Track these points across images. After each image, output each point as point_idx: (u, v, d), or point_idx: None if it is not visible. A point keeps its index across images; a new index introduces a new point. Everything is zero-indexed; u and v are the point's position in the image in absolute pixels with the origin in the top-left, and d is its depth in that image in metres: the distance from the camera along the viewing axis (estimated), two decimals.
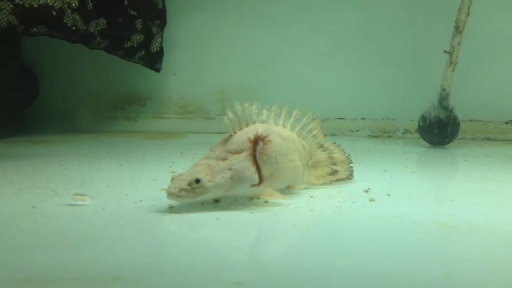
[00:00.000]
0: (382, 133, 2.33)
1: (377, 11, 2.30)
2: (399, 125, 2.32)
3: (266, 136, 0.99)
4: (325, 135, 1.22)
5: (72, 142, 1.95)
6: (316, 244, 0.81)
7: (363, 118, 2.34)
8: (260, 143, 0.99)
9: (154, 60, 2.18)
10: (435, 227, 0.87)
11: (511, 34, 2.22)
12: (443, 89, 1.89)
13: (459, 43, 1.87)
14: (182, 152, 1.70)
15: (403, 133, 2.31)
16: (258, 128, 1.04)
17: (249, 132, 1.03)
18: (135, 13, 2.01)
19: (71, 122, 2.33)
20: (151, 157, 1.59)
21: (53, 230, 0.84)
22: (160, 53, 2.19)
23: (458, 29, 1.86)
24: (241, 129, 1.04)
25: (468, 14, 1.85)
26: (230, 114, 1.04)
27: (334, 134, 2.31)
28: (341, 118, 2.35)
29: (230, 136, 1.04)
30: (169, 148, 1.84)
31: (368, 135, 2.32)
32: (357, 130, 2.34)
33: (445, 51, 1.88)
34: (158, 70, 2.22)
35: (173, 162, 1.49)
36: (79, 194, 1.00)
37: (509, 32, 2.21)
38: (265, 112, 1.10)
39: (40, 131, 2.19)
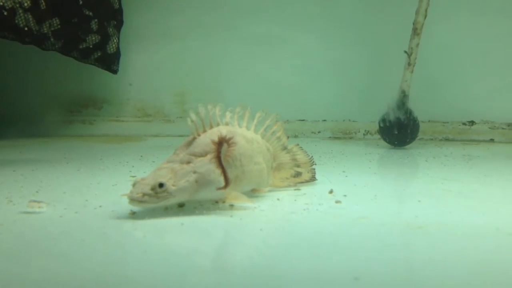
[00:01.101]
0: (343, 135, 2.33)
1: (337, 13, 2.30)
2: (360, 127, 2.33)
3: (230, 138, 0.97)
4: (288, 137, 1.20)
5: (25, 147, 1.88)
6: (285, 248, 0.79)
7: (324, 120, 2.35)
8: (225, 145, 0.97)
9: (110, 62, 2.12)
10: (403, 228, 0.86)
11: (469, 36, 2.25)
12: (402, 91, 1.91)
13: (417, 45, 1.89)
14: (141, 156, 1.65)
15: (364, 134, 2.32)
16: (222, 130, 1.01)
17: (213, 134, 1.00)
18: (91, 13, 1.95)
19: (25, 127, 2.25)
20: (109, 162, 1.54)
21: (8, 239, 0.79)
22: (117, 54, 2.13)
23: (416, 31, 1.87)
24: (204, 131, 1.01)
25: (425, 16, 1.86)
26: (193, 116, 1.01)
27: (295, 136, 2.30)
28: (302, 120, 2.35)
29: (194, 138, 1.01)
30: (128, 152, 1.79)
31: (330, 137, 2.33)
32: (319, 132, 2.34)
33: (405, 51, 1.90)
34: (115, 71, 2.17)
35: (133, 166, 1.45)
36: (35, 201, 0.95)
37: (467, 33, 2.25)
38: (228, 114, 1.07)
39: None
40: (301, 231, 0.86)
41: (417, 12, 1.87)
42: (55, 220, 0.89)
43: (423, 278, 0.66)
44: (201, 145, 0.99)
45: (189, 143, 1.01)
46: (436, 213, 0.96)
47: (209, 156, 0.98)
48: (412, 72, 1.90)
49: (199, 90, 2.33)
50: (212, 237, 0.84)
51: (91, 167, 1.43)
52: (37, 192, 1.10)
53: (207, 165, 0.97)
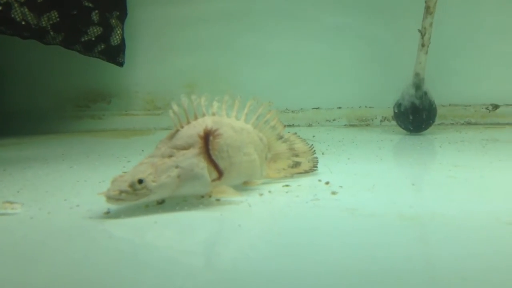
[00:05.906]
0: (360, 122, 2.24)
1: None
2: (377, 113, 2.23)
3: (216, 130, 0.90)
4: (284, 126, 1.13)
5: (28, 144, 1.84)
6: (258, 244, 0.72)
7: (339, 107, 2.26)
8: (211, 138, 0.90)
9: (115, 54, 2.07)
10: (393, 219, 0.78)
11: (490, 14, 2.13)
12: (417, 73, 1.80)
13: (431, 24, 1.78)
14: (143, 150, 1.60)
15: (381, 121, 2.22)
16: (207, 121, 0.95)
17: (197, 125, 0.94)
18: (91, 5, 1.90)
19: (34, 123, 2.22)
20: (107, 157, 1.49)
21: None
22: (121, 46, 2.08)
23: (428, 10, 1.77)
24: (188, 123, 0.95)
25: None
26: (175, 107, 0.95)
27: (309, 125, 2.22)
28: (316, 108, 2.26)
29: (177, 131, 0.95)
30: (131, 147, 1.74)
31: (345, 125, 2.24)
32: (334, 120, 2.25)
33: (419, 30, 1.79)
34: (121, 64, 2.12)
35: (129, 161, 1.40)
36: (8, 202, 0.90)
37: (488, 11, 2.13)
38: (215, 104, 1.00)
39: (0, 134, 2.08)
40: (279, 226, 0.79)
41: None
42: (24, 222, 0.83)
43: (399, 277, 0.58)
44: (184, 137, 0.93)
45: (172, 136, 0.95)
46: (433, 203, 0.87)
47: (192, 150, 0.92)
48: (426, 53, 1.80)
49: (210, 80, 2.26)
50: (188, 236, 0.77)
51: (85, 164, 1.38)
52: (18, 192, 1.04)
53: (190, 159, 0.91)
